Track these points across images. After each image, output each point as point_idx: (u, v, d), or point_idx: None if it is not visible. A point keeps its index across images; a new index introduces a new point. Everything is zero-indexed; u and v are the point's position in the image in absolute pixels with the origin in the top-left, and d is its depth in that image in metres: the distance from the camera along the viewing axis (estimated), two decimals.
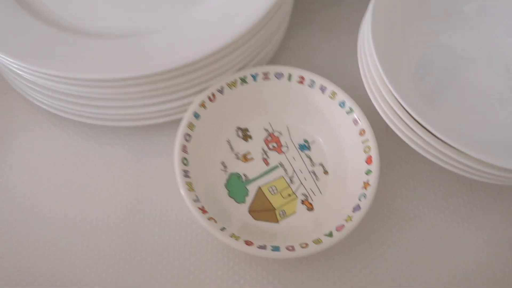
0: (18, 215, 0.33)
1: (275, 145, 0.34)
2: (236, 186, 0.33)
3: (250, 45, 0.32)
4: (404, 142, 0.30)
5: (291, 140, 0.34)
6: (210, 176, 0.33)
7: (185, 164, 0.30)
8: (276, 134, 0.35)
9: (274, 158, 0.34)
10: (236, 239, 0.28)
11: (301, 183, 0.33)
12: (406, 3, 0.33)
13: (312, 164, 0.33)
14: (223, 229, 0.28)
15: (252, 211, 0.32)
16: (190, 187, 0.30)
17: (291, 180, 0.33)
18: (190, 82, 0.31)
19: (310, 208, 0.32)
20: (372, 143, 0.31)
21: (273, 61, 0.38)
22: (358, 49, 0.32)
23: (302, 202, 0.32)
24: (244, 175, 0.33)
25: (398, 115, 0.29)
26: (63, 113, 0.34)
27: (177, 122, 0.34)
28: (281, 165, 0.34)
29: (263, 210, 0.32)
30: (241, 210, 0.32)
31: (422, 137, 0.28)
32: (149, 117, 0.33)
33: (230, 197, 0.32)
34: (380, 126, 0.32)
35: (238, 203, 0.32)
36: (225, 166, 0.33)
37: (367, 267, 0.31)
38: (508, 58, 0.35)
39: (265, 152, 0.34)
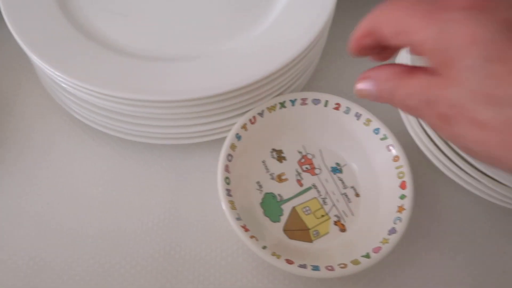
0: (54, 228, 0.34)
1: (308, 167, 0.36)
2: (271, 205, 0.34)
3: (292, 72, 0.33)
4: (436, 167, 0.31)
5: (324, 162, 0.36)
6: (247, 195, 0.34)
7: (227, 183, 0.31)
8: (309, 156, 0.36)
9: (308, 179, 0.35)
10: (277, 258, 0.29)
11: (334, 204, 0.34)
12: None
13: (344, 186, 0.35)
14: (264, 247, 0.29)
15: (287, 230, 0.33)
16: (232, 205, 0.31)
17: (324, 202, 0.34)
18: (233, 106, 0.33)
19: (343, 229, 0.33)
20: (406, 168, 0.32)
21: (308, 85, 0.40)
22: None
23: (335, 223, 0.33)
24: (279, 195, 0.34)
25: (433, 142, 0.30)
26: (102, 127, 0.35)
27: (215, 141, 0.35)
28: (314, 186, 0.35)
29: (297, 230, 0.33)
30: (276, 229, 0.33)
31: (458, 165, 0.29)
32: (190, 137, 0.34)
33: (265, 216, 0.33)
34: (413, 149, 0.33)
35: (273, 222, 0.33)
36: (260, 186, 0.34)
37: None
38: None
39: (298, 174, 0.35)
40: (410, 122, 0.31)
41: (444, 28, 0.17)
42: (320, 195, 0.34)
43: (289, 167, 0.35)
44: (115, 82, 0.30)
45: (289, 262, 0.29)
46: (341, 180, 0.35)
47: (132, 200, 0.35)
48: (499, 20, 0.16)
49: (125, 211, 0.34)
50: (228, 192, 0.31)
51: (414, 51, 0.19)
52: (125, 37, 0.34)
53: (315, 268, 0.29)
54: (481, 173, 0.29)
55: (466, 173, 0.29)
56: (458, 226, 0.35)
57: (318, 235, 0.33)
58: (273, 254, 0.29)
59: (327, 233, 0.33)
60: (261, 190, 0.34)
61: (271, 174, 0.35)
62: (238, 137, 0.33)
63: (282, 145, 0.36)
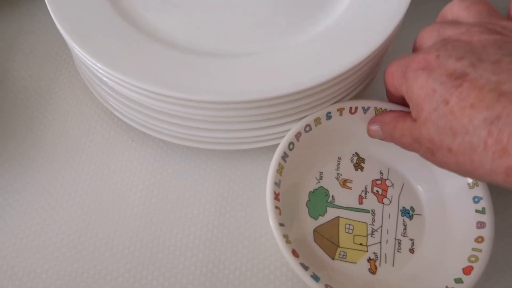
0: (89, 237, 0.31)
1: (379, 191, 0.31)
2: (318, 200, 0.30)
3: (359, 75, 0.29)
4: None
5: (399, 198, 0.31)
6: (303, 180, 0.31)
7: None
8: (388, 183, 0.32)
9: (371, 202, 0.31)
10: None
11: (380, 242, 0.30)
12: None
13: (404, 234, 0.30)
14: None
15: (317, 232, 0.30)
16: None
17: (372, 233, 0.30)
18: (291, 111, 0.29)
19: (373, 271, 0.29)
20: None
21: (363, 93, 0.36)
22: None
23: (369, 260, 0.29)
24: (332, 196, 0.31)
25: None
26: (144, 128, 0.32)
27: (263, 149, 0.32)
28: (373, 212, 0.31)
29: (327, 239, 0.29)
30: (308, 224, 0.30)
31: None
32: (241, 142, 0.31)
33: (307, 206, 0.30)
34: None
35: (310, 215, 0.30)
36: (321, 177, 0.31)
37: None
38: None
39: (365, 191, 0.31)
40: None
41: (410, 86, 0.23)
42: (373, 224, 0.30)
43: (361, 180, 0.31)
44: (163, 79, 0.27)
45: None
46: (405, 225, 0.30)
47: (173, 209, 0.32)
48: (445, 74, 0.21)
49: (166, 222, 0.31)
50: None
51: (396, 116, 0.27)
52: (176, 29, 0.30)
53: None
54: None
55: None
56: None
57: (344, 257, 0.29)
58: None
59: (354, 262, 0.29)
60: (319, 181, 0.31)
61: (338, 174, 0.31)
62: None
63: (366, 156, 0.32)
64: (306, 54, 0.29)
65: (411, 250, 0.29)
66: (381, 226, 0.30)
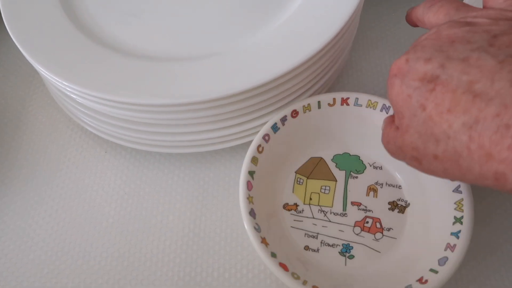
0: (66, 251, 0.31)
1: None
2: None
3: (318, 66, 0.29)
4: None
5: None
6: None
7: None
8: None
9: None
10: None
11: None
12: None
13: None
14: (305, 283, 0.25)
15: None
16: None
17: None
18: (254, 107, 0.29)
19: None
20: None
21: (337, 83, 0.36)
22: None
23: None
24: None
25: None
26: (115, 139, 0.32)
27: (235, 149, 0.32)
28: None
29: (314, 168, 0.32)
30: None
31: None
32: (211, 143, 0.31)
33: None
34: None
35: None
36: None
37: None
38: None
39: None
40: None
41: (389, 94, 0.23)
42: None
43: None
44: (126, 87, 0.27)
45: None
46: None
47: (148, 217, 0.32)
48: (417, 78, 0.21)
49: (141, 230, 0.31)
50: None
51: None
52: (134, 38, 0.31)
53: None
54: None
55: None
56: None
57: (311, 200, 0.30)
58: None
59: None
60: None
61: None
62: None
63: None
64: (265, 50, 0.29)
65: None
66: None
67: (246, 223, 0.26)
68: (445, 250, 0.25)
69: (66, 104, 0.33)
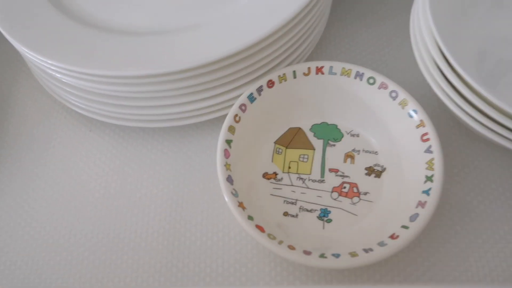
0: (54, 227, 0.31)
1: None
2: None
3: (291, 37, 0.30)
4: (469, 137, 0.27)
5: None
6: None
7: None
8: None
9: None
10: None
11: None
12: None
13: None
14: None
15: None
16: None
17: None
18: (228, 77, 0.30)
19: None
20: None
21: (315, 53, 0.36)
22: (411, 29, 0.29)
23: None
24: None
25: (459, 94, 0.26)
26: (99, 116, 0.33)
27: (212, 121, 0.33)
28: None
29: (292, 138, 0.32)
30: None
31: (488, 114, 0.25)
32: (188, 117, 0.32)
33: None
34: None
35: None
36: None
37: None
38: None
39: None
40: (432, 75, 0.27)
41: None
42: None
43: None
44: (104, 61, 0.28)
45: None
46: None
47: (133, 191, 0.32)
48: None
49: (126, 204, 0.32)
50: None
51: None
52: (112, 14, 0.32)
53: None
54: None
55: (494, 121, 0.25)
56: (498, 193, 0.30)
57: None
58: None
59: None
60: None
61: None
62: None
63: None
64: (238, 21, 0.29)
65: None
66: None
67: (223, 188, 0.27)
68: (416, 207, 0.26)
69: (50, 84, 0.34)
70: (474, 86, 0.24)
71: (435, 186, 0.26)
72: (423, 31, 0.27)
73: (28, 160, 0.34)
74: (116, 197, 0.32)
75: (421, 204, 0.26)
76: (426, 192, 0.26)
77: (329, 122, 0.33)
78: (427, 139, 0.28)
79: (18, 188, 0.33)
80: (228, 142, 0.29)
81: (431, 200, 0.26)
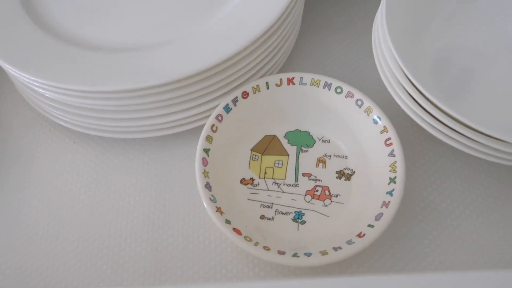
0: (42, 231, 0.33)
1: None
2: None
3: (262, 51, 0.32)
4: (427, 139, 0.29)
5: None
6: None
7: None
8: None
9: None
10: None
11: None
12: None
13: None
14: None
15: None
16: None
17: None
18: (205, 90, 0.31)
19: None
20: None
21: (287, 65, 0.39)
22: (373, 44, 0.32)
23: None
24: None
25: (418, 104, 0.28)
26: (82, 128, 0.35)
27: (190, 131, 0.34)
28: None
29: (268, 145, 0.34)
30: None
31: (444, 122, 0.27)
32: (168, 127, 0.33)
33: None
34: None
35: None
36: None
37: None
38: None
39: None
40: (392, 85, 0.29)
41: None
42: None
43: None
44: (85, 77, 0.30)
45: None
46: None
47: (116, 199, 0.34)
48: None
49: (110, 211, 0.33)
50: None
51: None
52: (92, 32, 0.33)
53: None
54: (470, 128, 0.26)
55: (453, 130, 0.27)
56: (454, 190, 0.33)
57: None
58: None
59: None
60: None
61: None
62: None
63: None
64: (212, 37, 0.31)
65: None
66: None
67: (202, 194, 0.29)
68: (381, 207, 0.28)
69: (33, 98, 0.35)
70: (427, 95, 0.26)
71: (398, 187, 0.28)
72: (382, 45, 0.29)
73: (14, 171, 0.35)
74: (99, 205, 0.34)
75: (385, 204, 0.28)
76: (390, 193, 0.29)
77: (302, 129, 0.35)
78: (390, 144, 0.30)
79: (4, 198, 0.34)
80: (206, 150, 0.31)
81: (394, 200, 0.28)
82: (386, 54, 0.29)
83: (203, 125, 0.32)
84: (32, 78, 0.30)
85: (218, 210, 0.29)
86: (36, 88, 0.32)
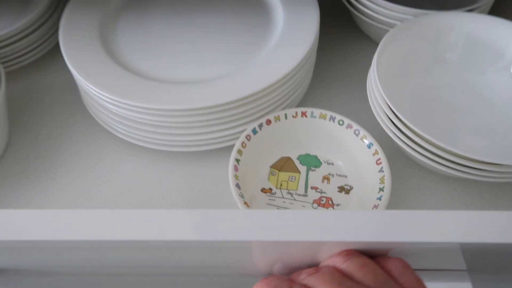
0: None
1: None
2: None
3: (287, 86, 0.42)
4: (406, 159, 0.38)
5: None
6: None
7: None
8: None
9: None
10: None
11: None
12: (402, 56, 0.44)
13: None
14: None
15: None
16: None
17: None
18: (239, 115, 0.41)
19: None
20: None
21: (302, 102, 0.49)
22: (368, 89, 0.42)
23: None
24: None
25: (399, 129, 0.37)
26: (137, 141, 0.44)
27: (222, 150, 0.43)
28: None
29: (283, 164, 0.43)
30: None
31: (422, 145, 0.36)
32: (206, 144, 0.43)
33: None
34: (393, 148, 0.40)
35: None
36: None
37: None
38: (482, 92, 0.45)
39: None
40: (382, 118, 0.39)
41: None
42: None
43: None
44: (149, 98, 0.40)
45: None
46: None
47: (160, 200, 0.42)
48: None
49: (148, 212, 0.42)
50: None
51: None
52: (156, 67, 0.44)
53: None
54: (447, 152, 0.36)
55: (429, 151, 0.36)
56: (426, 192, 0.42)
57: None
58: None
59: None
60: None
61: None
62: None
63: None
64: (250, 73, 0.42)
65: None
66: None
67: (233, 191, 0.37)
68: (372, 209, 0.36)
69: (101, 115, 0.45)
70: (406, 122, 0.36)
71: (385, 194, 0.37)
72: (374, 90, 0.39)
73: (78, 178, 0.44)
74: (147, 207, 0.42)
75: (375, 206, 0.36)
76: (379, 198, 0.37)
77: (311, 154, 0.44)
78: (380, 163, 0.39)
79: (69, 199, 0.42)
80: (237, 160, 0.39)
81: (382, 203, 0.36)
82: (376, 94, 0.39)
83: (232, 145, 0.41)
84: (109, 96, 0.40)
85: (245, 203, 0.37)
86: (111, 106, 0.41)
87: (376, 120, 0.41)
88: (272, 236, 0.22)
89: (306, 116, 0.43)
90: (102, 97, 0.41)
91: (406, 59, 0.44)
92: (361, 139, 0.41)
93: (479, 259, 0.25)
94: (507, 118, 0.43)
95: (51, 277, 0.32)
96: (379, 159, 0.39)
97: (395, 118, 0.38)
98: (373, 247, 0.23)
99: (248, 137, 0.41)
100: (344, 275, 0.22)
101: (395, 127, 0.38)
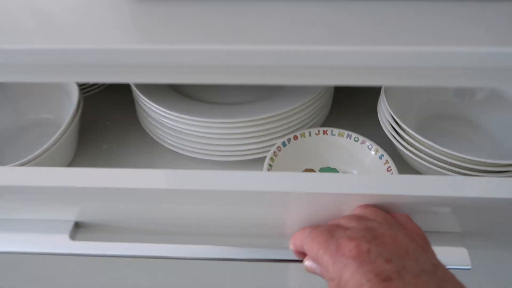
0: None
1: None
2: None
3: (309, 111, 0.51)
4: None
5: None
6: None
7: None
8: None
9: None
10: None
11: None
12: (403, 93, 0.53)
13: None
14: None
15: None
16: None
17: None
18: (273, 130, 0.50)
19: None
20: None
21: (324, 123, 0.57)
22: (378, 111, 0.50)
23: None
24: None
25: (404, 140, 0.45)
26: (183, 151, 0.52)
27: (255, 160, 0.51)
28: None
29: None
30: None
31: (430, 153, 0.44)
32: (243, 154, 0.51)
33: None
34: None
35: None
36: None
37: None
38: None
39: None
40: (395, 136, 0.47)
41: (337, 270, 0.25)
42: None
43: None
44: (200, 113, 0.49)
45: None
46: None
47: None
48: (374, 272, 0.23)
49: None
50: None
51: (322, 271, 0.28)
52: (204, 92, 0.53)
53: None
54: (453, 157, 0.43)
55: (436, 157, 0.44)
56: None
57: None
58: None
59: None
60: None
61: None
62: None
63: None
64: (277, 99, 0.51)
65: None
66: None
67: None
68: None
69: (152, 127, 0.54)
70: (411, 133, 0.44)
71: None
72: (384, 110, 0.48)
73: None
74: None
75: None
76: None
77: (331, 166, 0.51)
78: (390, 169, 0.46)
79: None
80: (270, 165, 0.47)
81: None
82: (386, 115, 0.47)
83: (264, 157, 0.49)
84: (166, 111, 0.49)
85: None
86: (162, 120, 0.51)
87: (386, 136, 0.49)
88: (308, 188, 0.30)
89: (327, 134, 0.51)
90: (160, 112, 0.50)
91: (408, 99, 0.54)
92: (374, 152, 0.49)
93: (471, 219, 0.32)
94: None
95: None
96: (389, 167, 0.46)
97: (401, 131, 0.46)
98: (384, 201, 0.30)
99: (279, 148, 0.49)
100: (360, 217, 0.29)
101: (401, 139, 0.46)
